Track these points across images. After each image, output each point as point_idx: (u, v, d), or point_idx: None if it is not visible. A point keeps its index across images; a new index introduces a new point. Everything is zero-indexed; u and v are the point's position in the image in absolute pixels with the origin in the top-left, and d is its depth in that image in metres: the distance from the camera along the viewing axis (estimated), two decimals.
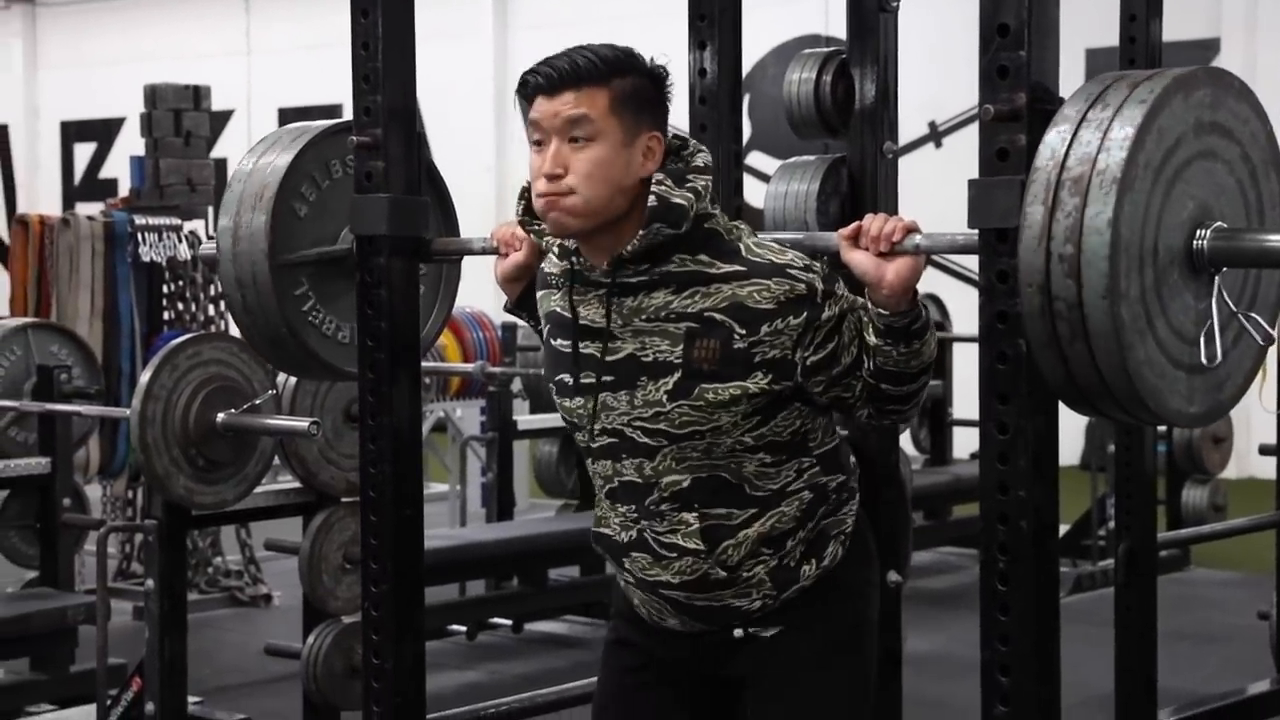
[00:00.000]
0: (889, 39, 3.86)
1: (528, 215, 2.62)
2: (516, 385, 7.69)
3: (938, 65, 11.29)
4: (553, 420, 7.37)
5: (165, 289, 7.46)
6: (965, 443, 9.57)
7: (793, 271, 2.49)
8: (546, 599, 6.93)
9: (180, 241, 7.34)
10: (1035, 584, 2.51)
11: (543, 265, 2.73)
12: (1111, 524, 7.96)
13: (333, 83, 15.62)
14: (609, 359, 2.55)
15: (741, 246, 2.51)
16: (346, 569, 5.12)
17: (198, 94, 7.78)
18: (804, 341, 2.48)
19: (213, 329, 7.43)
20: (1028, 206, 2.28)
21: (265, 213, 3.17)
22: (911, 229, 2.49)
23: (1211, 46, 11.77)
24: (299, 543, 5.18)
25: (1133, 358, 2.25)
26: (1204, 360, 2.33)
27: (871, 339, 2.50)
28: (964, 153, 12.43)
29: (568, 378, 2.62)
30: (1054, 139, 2.29)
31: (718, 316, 2.48)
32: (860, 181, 3.88)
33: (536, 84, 2.50)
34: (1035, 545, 2.50)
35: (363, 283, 3.13)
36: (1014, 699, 2.51)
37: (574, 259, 2.58)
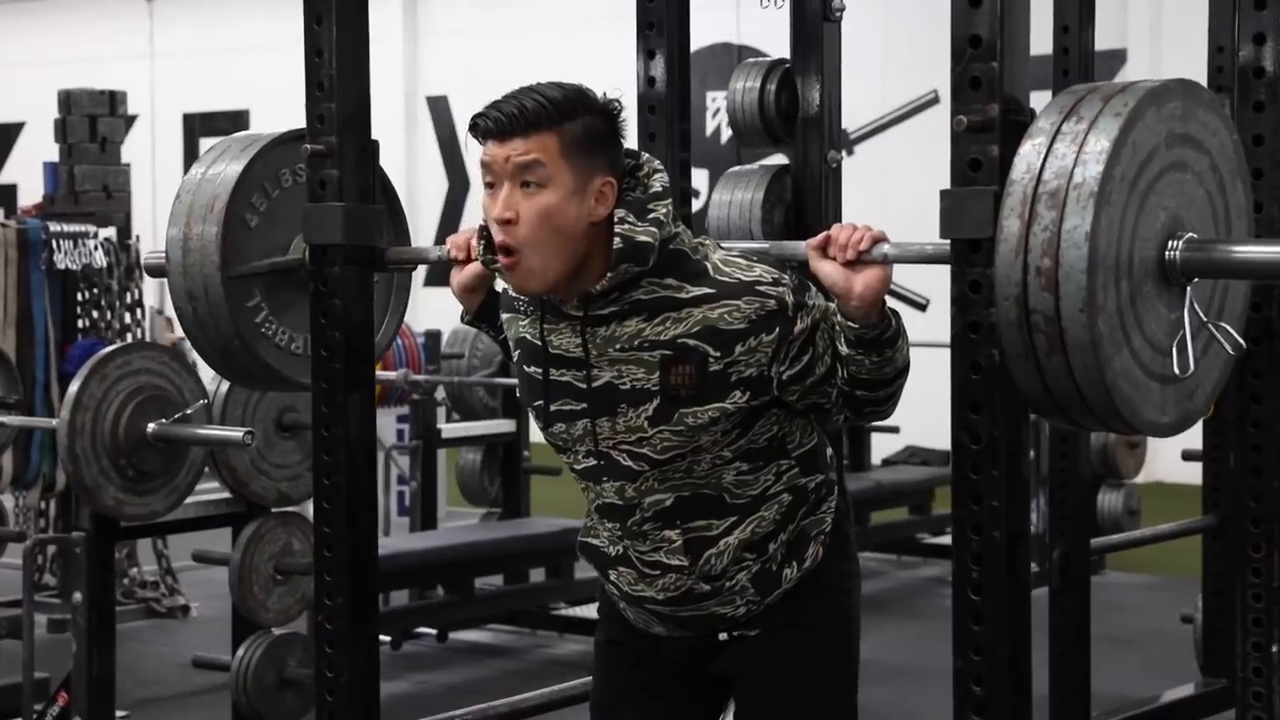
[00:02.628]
0: (833, 48, 3.88)
1: (489, 254, 2.56)
2: (440, 394, 7.65)
3: (848, 74, 11.37)
4: (476, 429, 7.35)
5: (80, 296, 7.34)
6: (879, 449, 9.64)
7: (761, 288, 2.48)
8: (471, 609, 6.89)
9: (96, 249, 7.22)
10: (1008, 593, 2.52)
11: (506, 288, 2.69)
12: (1033, 529, 8.05)
13: (238, 88, 15.55)
14: (587, 387, 2.55)
15: (709, 265, 2.50)
16: (278, 580, 5.07)
17: (113, 99, 7.66)
18: (779, 356, 2.48)
19: (129, 337, 7.32)
20: (1004, 219, 2.29)
21: (216, 224, 3.12)
22: (879, 239, 2.48)
23: (1118, 57, 11.92)
24: (228, 554, 5.11)
25: (1110, 369, 2.26)
26: (1176, 370, 2.35)
27: (844, 349, 2.48)
28: (873, 161, 12.53)
29: (545, 404, 2.61)
30: (1029, 152, 2.30)
31: (691, 342, 2.47)
32: (804, 189, 3.90)
33: (486, 128, 2.46)
34: (1008, 555, 2.50)
35: (316, 293, 3.09)
36: (989, 708, 2.52)
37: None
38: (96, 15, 16.86)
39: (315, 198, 3.08)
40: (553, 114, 2.43)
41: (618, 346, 2.51)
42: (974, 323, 2.48)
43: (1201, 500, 5.61)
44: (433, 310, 8.46)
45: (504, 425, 7.37)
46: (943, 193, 2.49)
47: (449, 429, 7.30)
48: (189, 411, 4.77)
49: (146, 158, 15.86)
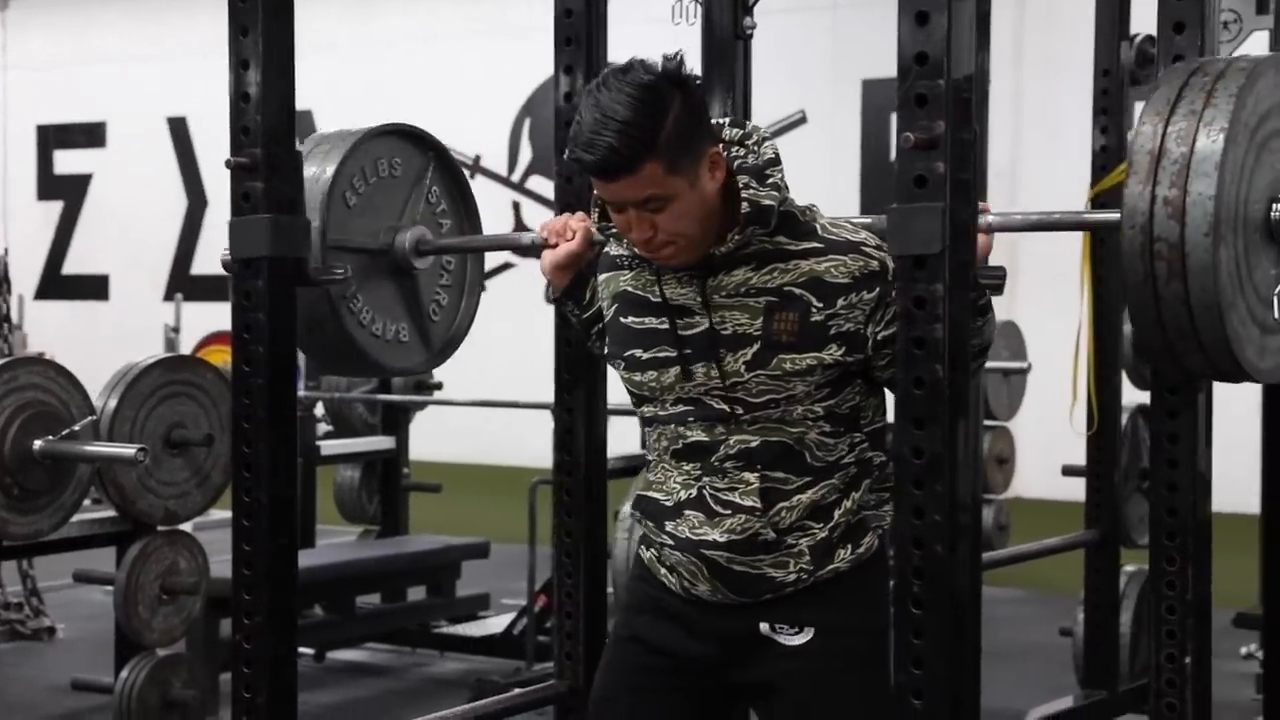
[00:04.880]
0: (744, 66, 3.89)
1: (604, 220, 2.70)
2: (319, 410, 7.55)
3: None
4: (356, 445, 7.26)
5: None
6: None
7: (867, 249, 2.60)
8: (349, 627, 6.81)
9: None
10: (950, 607, 2.54)
11: (607, 248, 2.80)
12: None
13: (94, 100, 15.24)
14: (687, 333, 2.64)
15: (818, 226, 2.63)
16: (163, 600, 4.97)
17: None
18: (875, 316, 2.60)
19: None
20: (1135, 155, 2.44)
21: (322, 193, 3.24)
22: (984, 209, 2.62)
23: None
24: (112, 573, 5.00)
25: (1224, 299, 2.40)
26: (1277, 317, 2.52)
27: None
28: None
29: (640, 352, 2.69)
30: (1157, 100, 2.46)
31: (796, 290, 2.59)
32: None
33: (590, 167, 2.51)
34: (950, 569, 2.52)
35: (239, 306, 3.05)
36: None
37: None
38: None
39: (239, 210, 3.04)
40: (644, 141, 2.47)
41: (724, 293, 2.61)
42: (918, 338, 2.50)
43: (1085, 514, 5.72)
44: None
45: (383, 442, 7.30)
46: (889, 210, 2.52)
47: (328, 446, 7.21)
48: (76, 428, 4.67)
49: None
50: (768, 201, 2.59)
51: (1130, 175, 2.43)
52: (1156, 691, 3.23)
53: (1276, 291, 2.50)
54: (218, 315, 11.56)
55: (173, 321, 9.57)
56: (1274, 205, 2.49)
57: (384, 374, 3.33)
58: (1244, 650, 6.35)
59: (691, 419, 2.66)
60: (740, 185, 2.58)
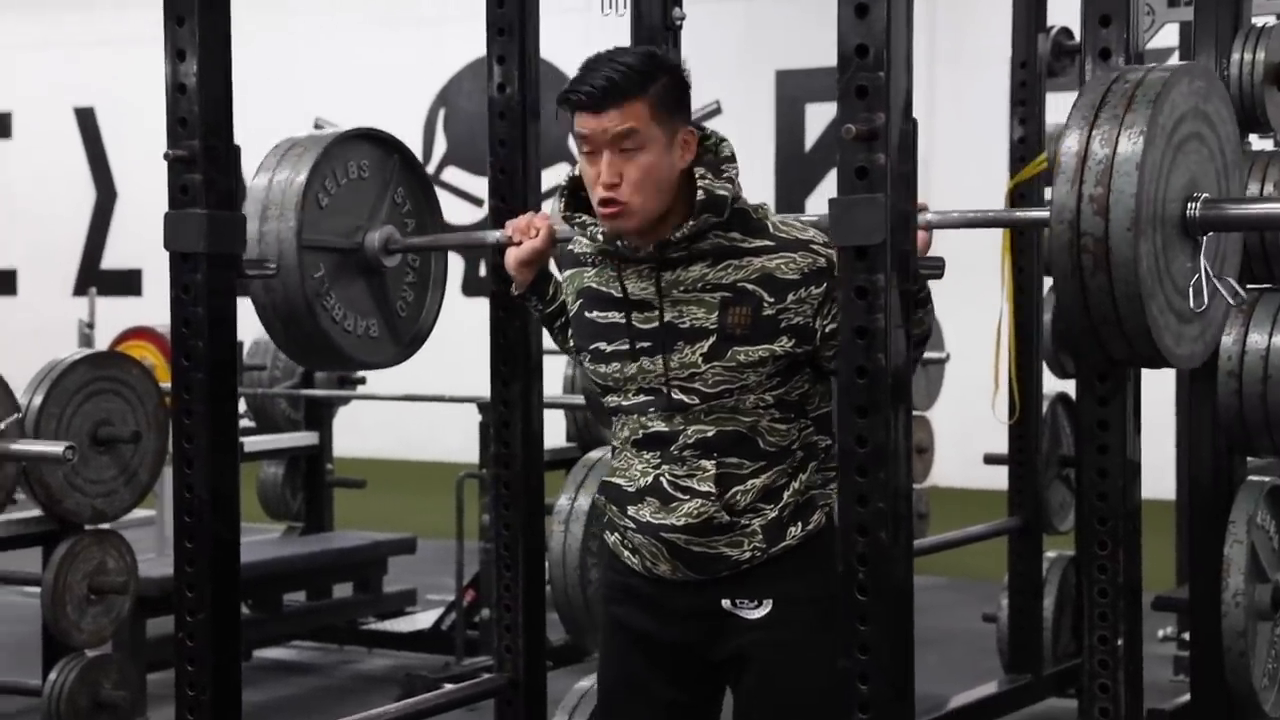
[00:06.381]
0: (673, 56, 3.91)
1: (570, 210, 2.80)
2: (241, 406, 7.50)
3: None
4: (280, 441, 7.22)
5: None
6: None
7: (815, 247, 2.72)
8: (275, 625, 6.78)
9: None
10: (894, 593, 2.58)
11: (569, 247, 2.92)
12: None
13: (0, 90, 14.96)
14: (647, 327, 2.76)
15: (769, 224, 2.75)
16: (92, 600, 4.93)
17: None
18: (823, 311, 2.71)
19: None
20: (1062, 156, 2.55)
21: (296, 195, 3.36)
22: (922, 207, 2.72)
23: None
24: (37, 574, 4.95)
25: (1144, 288, 2.53)
26: (1192, 305, 2.65)
27: None
28: None
29: (604, 345, 2.81)
30: (1084, 105, 2.57)
31: (749, 286, 2.70)
32: None
33: (580, 102, 2.66)
34: (893, 556, 2.56)
35: (178, 300, 3.05)
36: (873, 706, 2.57)
37: (619, 240, 2.74)
38: None
39: (177, 204, 3.03)
40: (639, 81, 2.65)
41: (681, 289, 2.74)
42: (860, 328, 2.54)
43: (1008, 502, 5.80)
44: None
45: (307, 438, 7.26)
46: (831, 201, 2.55)
47: (251, 442, 7.15)
48: (2, 426, 4.62)
49: None
50: (721, 191, 2.71)
51: (1058, 176, 2.55)
52: (1090, 673, 3.28)
53: (1192, 283, 2.64)
54: (130, 310, 11.47)
55: (86, 316, 9.46)
56: (1189, 204, 2.63)
57: (355, 368, 3.49)
58: (1161, 633, 6.45)
59: (652, 409, 2.78)
60: (697, 175, 2.71)
